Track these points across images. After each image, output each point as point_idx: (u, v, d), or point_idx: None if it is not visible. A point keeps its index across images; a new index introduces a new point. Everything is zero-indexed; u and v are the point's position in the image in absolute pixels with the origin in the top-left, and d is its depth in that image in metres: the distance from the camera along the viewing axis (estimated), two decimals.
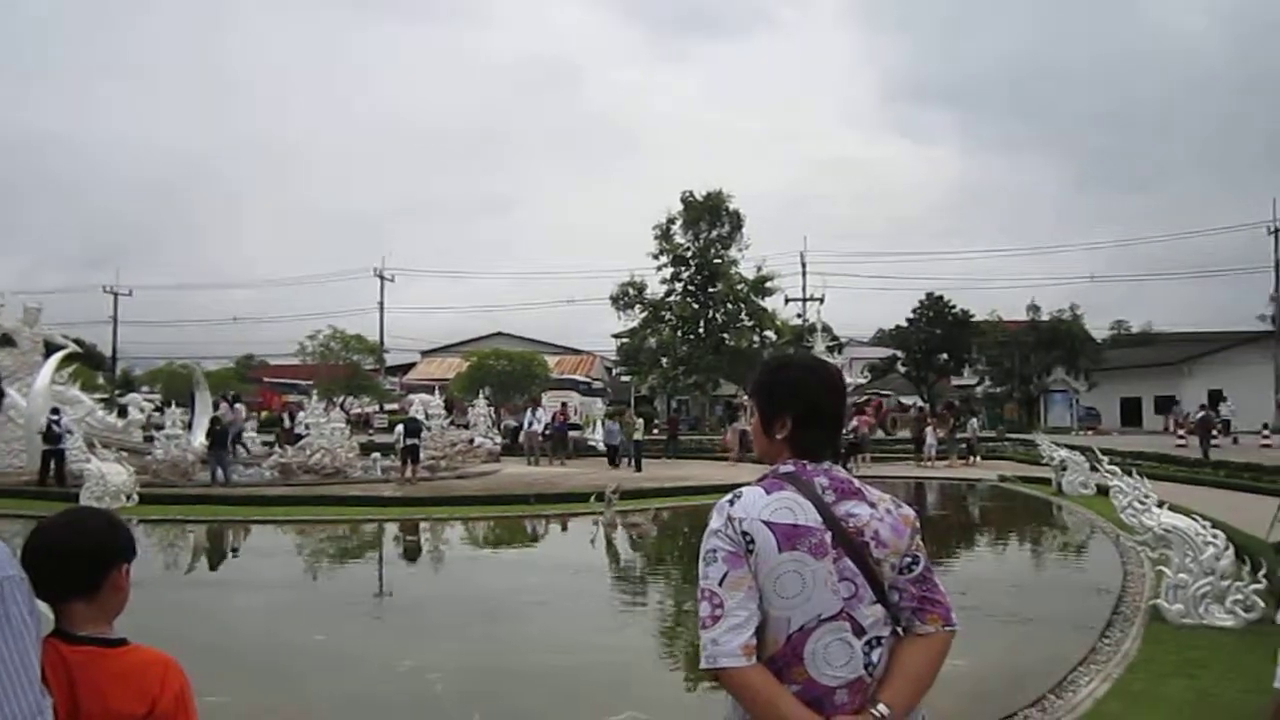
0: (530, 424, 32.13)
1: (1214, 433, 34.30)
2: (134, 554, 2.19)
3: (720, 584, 2.10)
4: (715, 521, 2.17)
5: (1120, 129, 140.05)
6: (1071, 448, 21.59)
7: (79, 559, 2.06)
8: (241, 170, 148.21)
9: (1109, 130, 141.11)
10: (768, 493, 2.20)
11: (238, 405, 34.30)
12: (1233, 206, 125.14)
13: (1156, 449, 30.67)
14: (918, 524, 2.30)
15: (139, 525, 15.31)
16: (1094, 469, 17.66)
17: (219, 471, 22.04)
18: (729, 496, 2.23)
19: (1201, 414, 33.92)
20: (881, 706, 2.13)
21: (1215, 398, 50.93)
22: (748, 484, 2.26)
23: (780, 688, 2.10)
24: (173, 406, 25.85)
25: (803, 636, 2.12)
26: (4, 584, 1.74)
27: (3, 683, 1.67)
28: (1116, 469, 12.77)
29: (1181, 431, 37.40)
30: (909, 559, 2.25)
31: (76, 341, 29.45)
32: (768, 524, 2.14)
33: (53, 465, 20.54)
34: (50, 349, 25.60)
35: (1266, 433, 37.12)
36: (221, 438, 22.69)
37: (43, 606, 1.96)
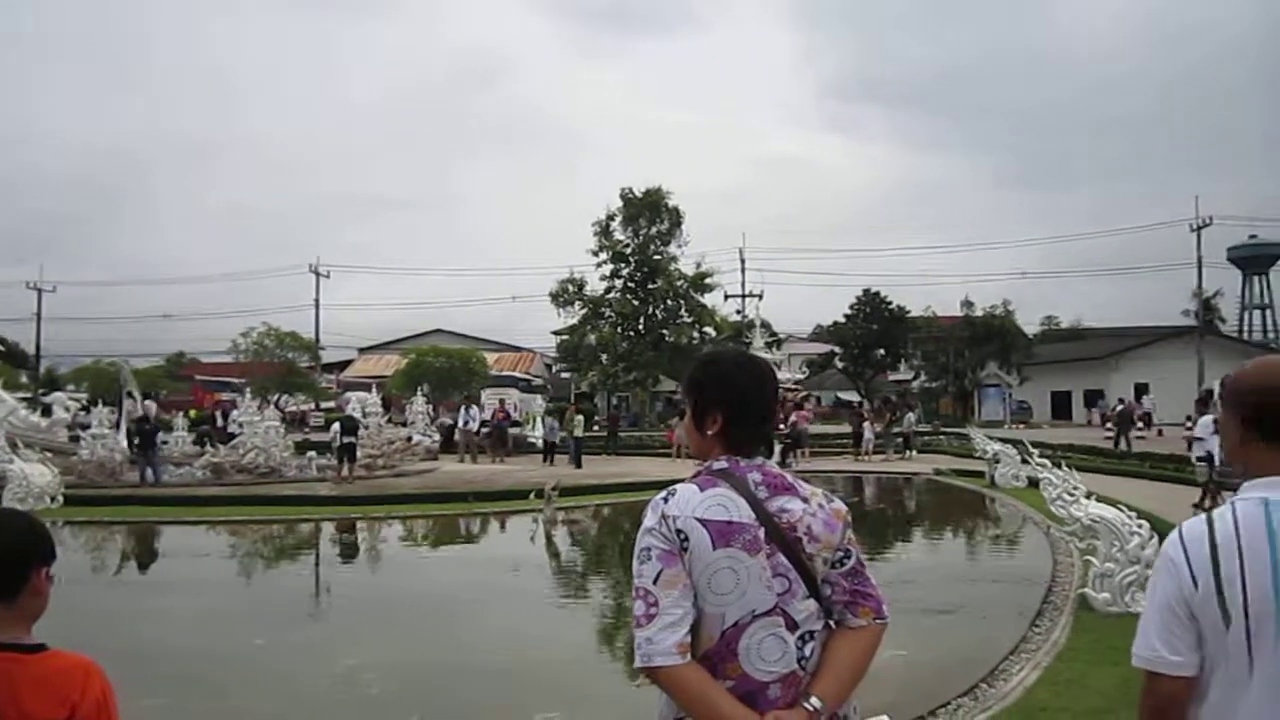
0: (466, 422, 31.91)
1: (1139, 424, 35.32)
2: (54, 557, 2.12)
3: (655, 582, 2.10)
4: (649, 520, 2.16)
5: (1049, 128, 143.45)
6: (1004, 441, 22.03)
7: None
8: (173, 165, 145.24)
9: (1038, 130, 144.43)
10: (701, 490, 2.20)
11: (148, 402, 33.86)
12: (1157, 204, 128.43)
13: (1085, 442, 31.41)
14: (849, 518, 2.32)
15: (64, 527, 14.93)
16: (1025, 462, 18.03)
17: (148, 471, 21.53)
18: (663, 494, 2.22)
19: (1121, 407, 34.96)
20: (814, 700, 2.14)
21: (1141, 391, 52.39)
22: (682, 481, 2.26)
23: (714, 684, 2.11)
24: (99, 406, 25.23)
25: (737, 632, 2.13)
26: None
27: None
28: (1046, 462, 13.08)
29: (1110, 424, 38.43)
30: (841, 553, 2.27)
31: None
32: (702, 521, 2.13)
33: None
34: None
35: (1190, 425, 38.16)
36: (149, 437, 22.15)
37: None
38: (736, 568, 2.13)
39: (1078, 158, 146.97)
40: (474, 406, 34.21)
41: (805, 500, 2.25)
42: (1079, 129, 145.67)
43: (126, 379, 27.96)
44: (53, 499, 16.35)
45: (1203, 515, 2.01)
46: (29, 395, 40.77)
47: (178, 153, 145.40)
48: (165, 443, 25.81)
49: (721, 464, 2.28)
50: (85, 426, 25.06)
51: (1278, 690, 1.87)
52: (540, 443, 31.35)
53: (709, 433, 2.33)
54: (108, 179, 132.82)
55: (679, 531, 2.13)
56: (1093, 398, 54.72)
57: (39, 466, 16.84)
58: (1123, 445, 29.97)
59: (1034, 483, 16.53)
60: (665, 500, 2.19)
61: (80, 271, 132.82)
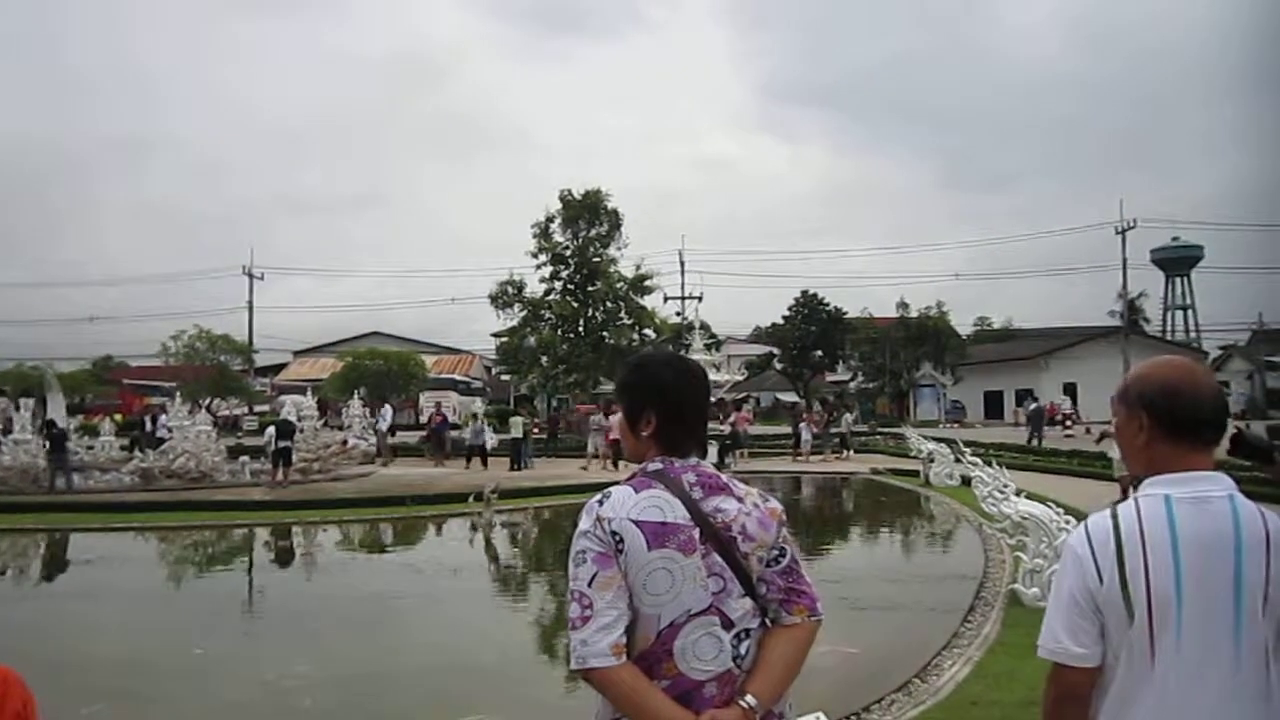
0: (377, 423, 31.72)
1: (1065, 424, 36.54)
2: None
3: (590, 585, 2.11)
4: (584, 523, 2.17)
5: (977, 131, 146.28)
6: (938, 440, 22.41)
7: None
8: (101, 165, 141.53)
9: (967, 132, 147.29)
10: (636, 491, 2.21)
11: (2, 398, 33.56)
12: (1086, 206, 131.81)
13: (1016, 440, 32.10)
14: (784, 517, 2.34)
15: None
16: (958, 461, 18.39)
17: (59, 478, 20.93)
18: (598, 496, 2.23)
19: (1034, 406, 36.27)
20: (749, 698, 2.16)
21: (1069, 390, 53.68)
22: (617, 484, 2.27)
23: (649, 685, 2.12)
24: (22, 410, 24.46)
25: (672, 632, 2.14)
26: None
27: None
28: (978, 460, 13.36)
29: (1023, 423, 39.66)
30: (776, 551, 2.29)
31: None
32: (636, 523, 2.14)
33: None
34: None
35: (1111, 424, 39.24)
36: (59, 441, 21.52)
37: None
38: (672, 568, 2.14)
39: (1009, 160, 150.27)
40: (385, 406, 34.13)
41: (740, 500, 2.27)
42: (1010, 131, 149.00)
43: (50, 383, 27.13)
44: None
45: (1107, 511, 2.07)
46: None
47: (107, 152, 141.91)
48: (77, 453, 25.13)
49: (656, 465, 2.29)
50: (7, 431, 24.27)
51: (1178, 682, 1.93)
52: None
53: (643, 434, 2.34)
54: (33, 177, 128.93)
55: (614, 533, 2.13)
56: (1023, 397, 55.95)
57: None
58: (1034, 442, 31.54)
59: (967, 481, 16.88)
60: (600, 503, 2.20)
61: (3, 272, 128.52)
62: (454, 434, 32.76)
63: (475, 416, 31.98)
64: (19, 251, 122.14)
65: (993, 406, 60.69)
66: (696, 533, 2.17)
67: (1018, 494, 10.80)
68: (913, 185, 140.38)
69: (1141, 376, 2.14)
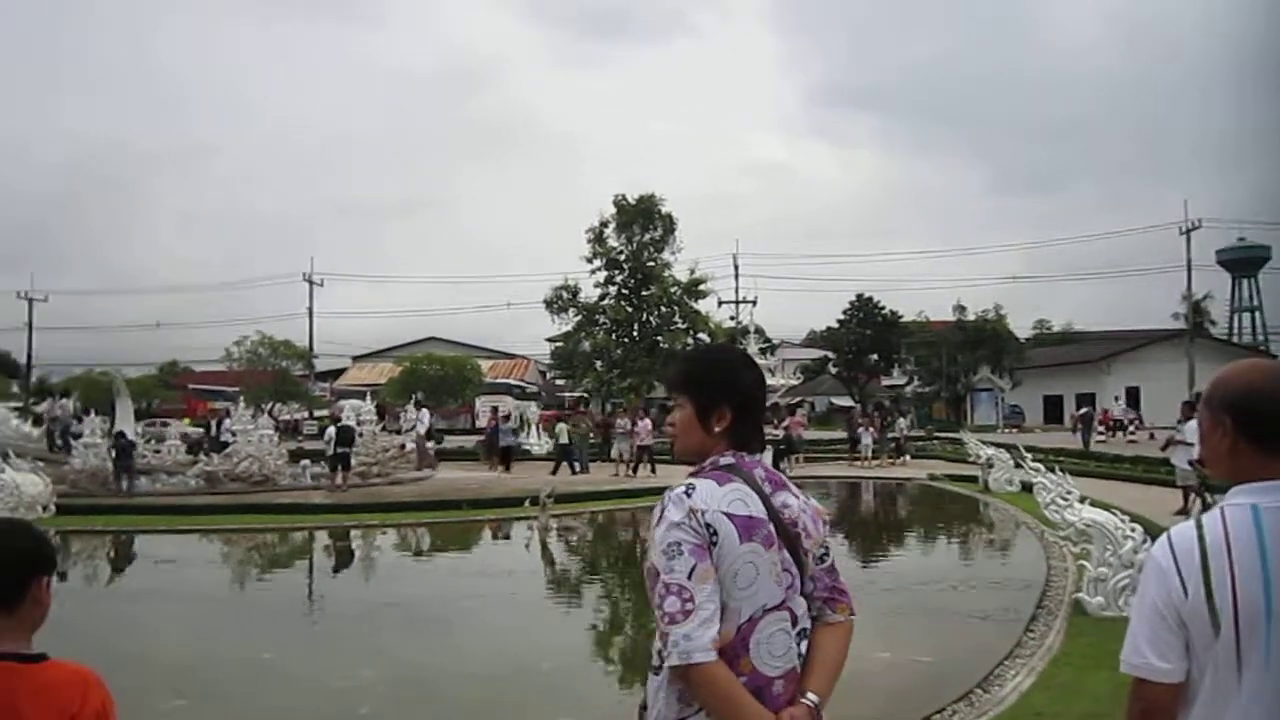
0: (415, 427, 31.59)
1: (1130, 429, 35.83)
2: (54, 566, 2.13)
3: (689, 577, 2.08)
4: (674, 514, 2.13)
5: (1038, 131, 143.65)
6: (997, 446, 22.07)
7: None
8: (166, 172, 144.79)
9: (1027, 133, 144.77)
10: (719, 485, 2.19)
11: (64, 400, 34.26)
12: (1148, 207, 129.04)
13: (1077, 445, 31.53)
14: (827, 516, 2.37)
15: (56, 537, 14.86)
16: (1019, 466, 18.09)
17: (123, 481, 21.44)
18: (681, 489, 2.19)
19: (1083, 411, 35.67)
20: (811, 695, 2.17)
21: (1132, 394, 52.57)
22: (696, 479, 2.23)
23: (739, 683, 2.11)
24: (92, 415, 25.14)
25: (750, 627, 2.14)
26: None
27: None
28: (1040, 466, 13.13)
29: (1075, 428, 39.01)
30: (823, 549, 2.32)
31: None
32: (727, 515, 2.14)
33: None
34: None
35: (1177, 430, 38.31)
36: (126, 451, 21.97)
37: None
38: (756, 562, 2.15)
39: (1067, 161, 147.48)
40: (423, 410, 33.97)
41: (796, 497, 2.30)
42: (1067, 132, 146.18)
43: (119, 388, 27.82)
44: (44, 508, 16.28)
45: (1192, 521, 2.00)
46: (20, 405, 40.54)
47: (170, 159, 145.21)
48: (144, 457, 25.66)
49: (728, 459, 2.28)
50: (77, 435, 24.92)
51: (1264, 698, 1.86)
52: (535, 449, 31.15)
53: (715, 429, 2.32)
54: (100, 185, 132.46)
55: (708, 525, 2.12)
56: (1085, 401, 54.93)
57: (30, 476, 16.76)
58: (1084, 447, 31.14)
59: (1027, 487, 16.61)
60: (687, 494, 2.16)
61: (70, 279, 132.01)
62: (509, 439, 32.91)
63: (505, 418, 32.13)
64: (84, 260, 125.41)
65: (1052, 411, 59.56)
66: (772, 528, 2.19)
67: (1081, 500, 10.58)
68: (966, 186, 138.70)
69: (1225, 380, 2.06)
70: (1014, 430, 48.10)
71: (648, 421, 26.44)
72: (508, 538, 16.49)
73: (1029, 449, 18.42)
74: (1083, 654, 7.33)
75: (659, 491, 2.29)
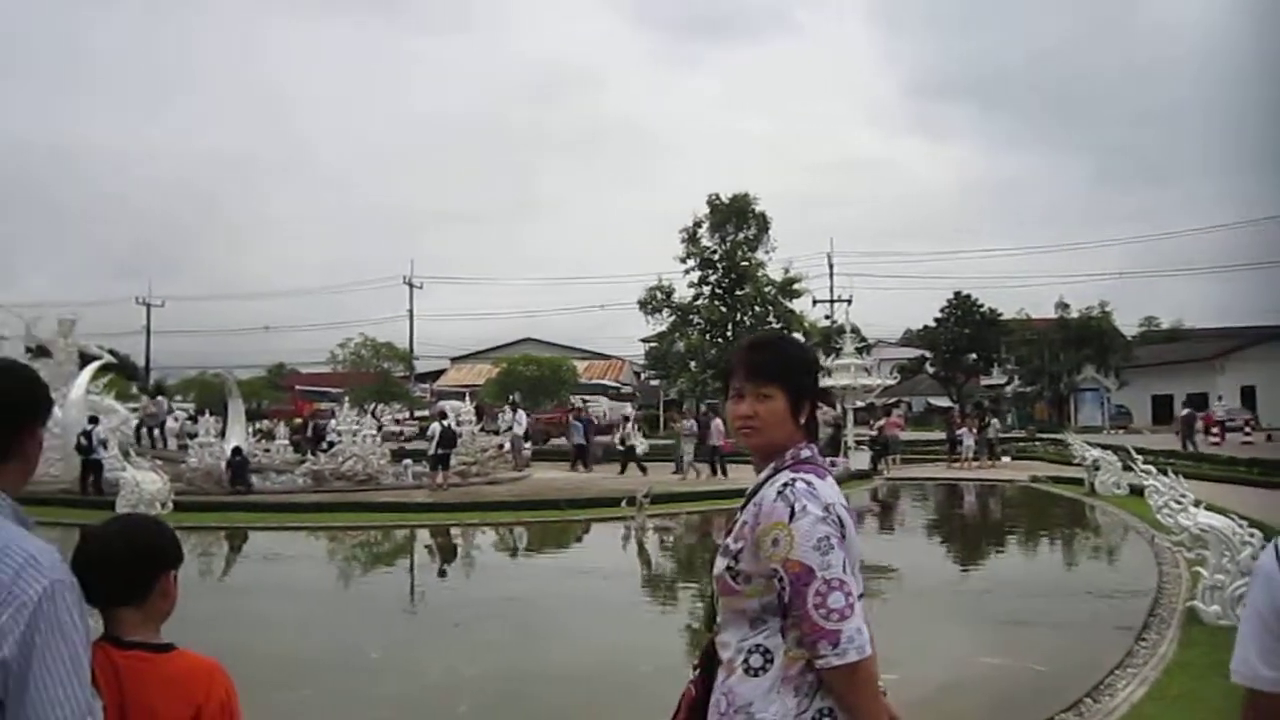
0: (510, 426, 31.47)
1: (1245, 430, 34.49)
2: (181, 561, 2.23)
3: (845, 571, 2.07)
4: (815, 509, 2.10)
5: (1141, 122, 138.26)
6: (1104, 447, 21.38)
7: (129, 565, 2.10)
8: (270, 178, 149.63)
9: (1130, 124, 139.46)
10: (821, 479, 2.19)
11: (159, 398, 35.50)
12: (1260, 199, 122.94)
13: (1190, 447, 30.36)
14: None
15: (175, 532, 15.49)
16: (1127, 469, 17.49)
17: (239, 486, 22.21)
18: (801, 482, 2.15)
19: (1185, 412, 34.32)
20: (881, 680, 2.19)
21: (1249, 394, 50.30)
22: (800, 474, 2.19)
23: None
24: (206, 415, 26.15)
25: None
26: (55, 587, 1.72)
27: (56, 683, 1.69)
28: (1151, 469, 12.64)
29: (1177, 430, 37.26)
30: None
31: (110, 352, 29.81)
32: (845, 508, 2.17)
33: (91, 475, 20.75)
34: (85, 360, 25.95)
35: None
36: (241, 469, 22.72)
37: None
38: (857, 553, 2.17)
39: (1173, 152, 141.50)
40: (519, 412, 33.71)
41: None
42: (1172, 123, 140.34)
43: (231, 390, 28.89)
44: (163, 505, 16.96)
45: None
46: (139, 406, 42.38)
47: (275, 166, 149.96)
48: (254, 455, 26.57)
49: (808, 451, 2.29)
50: (193, 435, 25.97)
51: None
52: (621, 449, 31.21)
53: (802, 421, 2.31)
54: (209, 192, 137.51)
55: (838, 519, 2.13)
56: (1196, 402, 52.81)
57: (150, 474, 17.47)
58: (1186, 448, 29.86)
59: (1136, 490, 16.05)
60: (812, 488, 2.14)
61: (184, 285, 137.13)
62: (602, 440, 33.11)
63: (577, 414, 32.27)
64: (196, 265, 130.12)
65: (1161, 411, 57.12)
66: None
67: (1196, 504, 10.18)
68: (1067, 180, 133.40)
69: None
70: (1120, 431, 46.49)
71: (719, 421, 26.17)
72: (604, 538, 16.60)
73: (1138, 450, 17.79)
74: (1197, 664, 7.06)
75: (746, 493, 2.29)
